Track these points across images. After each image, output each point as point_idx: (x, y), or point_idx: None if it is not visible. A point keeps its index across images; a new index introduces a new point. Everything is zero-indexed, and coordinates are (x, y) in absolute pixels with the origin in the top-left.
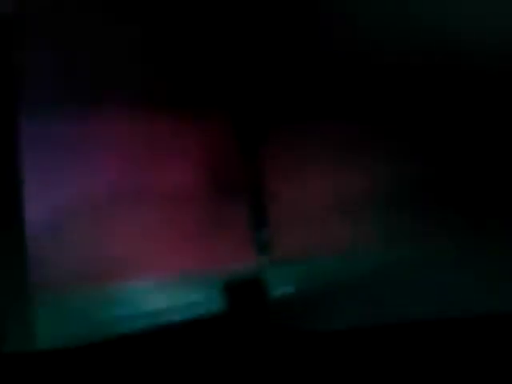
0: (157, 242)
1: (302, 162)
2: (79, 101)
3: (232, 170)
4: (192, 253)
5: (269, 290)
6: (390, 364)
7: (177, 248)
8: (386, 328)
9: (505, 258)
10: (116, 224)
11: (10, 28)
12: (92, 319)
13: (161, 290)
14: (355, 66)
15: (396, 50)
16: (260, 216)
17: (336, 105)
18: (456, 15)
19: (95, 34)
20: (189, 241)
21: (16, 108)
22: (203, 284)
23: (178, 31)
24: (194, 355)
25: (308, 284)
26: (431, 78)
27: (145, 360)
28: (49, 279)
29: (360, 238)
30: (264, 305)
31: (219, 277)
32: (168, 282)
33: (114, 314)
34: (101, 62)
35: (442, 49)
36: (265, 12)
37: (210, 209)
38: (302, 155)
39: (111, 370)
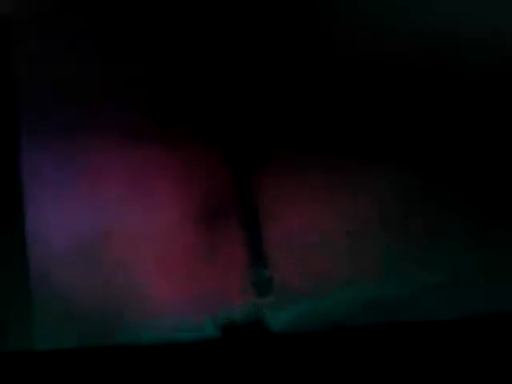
0: (147, 285)
1: (300, 190)
2: (67, 135)
3: (227, 206)
4: (186, 295)
5: (269, 330)
6: (390, 364)
7: (169, 290)
8: (386, 328)
9: None
10: (105, 264)
11: (9, 28)
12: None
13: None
14: (350, 90)
15: (394, 68)
16: (257, 252)
17: (333, 128)
18: (455, 15)
19: (85, 72)
20: (183, 282)
21: (17, 118)
22: (198, 328)
23: (167, 60)
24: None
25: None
26: (430, 97)
27: (143, 369)
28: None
29: (361, 268)
30: (264, 346)
31: (216, 320)
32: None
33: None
34: (89, 98)
35: (442, 54)
36: (255, 42)
37: (205, 246)
38: (299, 183)
39: (107, 374)
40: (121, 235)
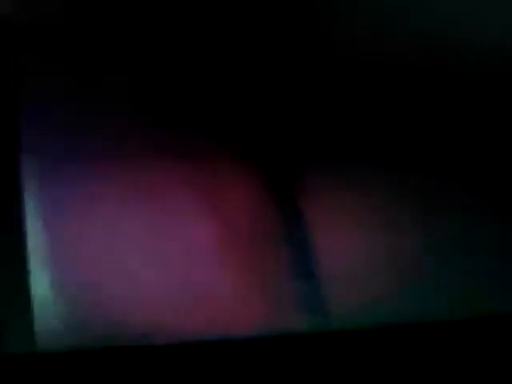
0: (184, 306)
1: (346, 210)
2: (77, 157)
3: (269, 223)
4: (231, 316)
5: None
6: (391, 366)
7: (211, 312)
8: (386, 329)
9: None
10: (141, 285)
11: (9, 28)
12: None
13: None
14: (354, 92)
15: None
16: (304, 272)
17: (381, 141)
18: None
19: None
20: (227, 303)
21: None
22: None
23: (180, 67)
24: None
25: None
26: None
27: (145, 370)
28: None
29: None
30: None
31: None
32: None
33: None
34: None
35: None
36: (255, 45)
37: (249, 267)
38: (345, 203)
39: (107, 377)
40: (153, 259)
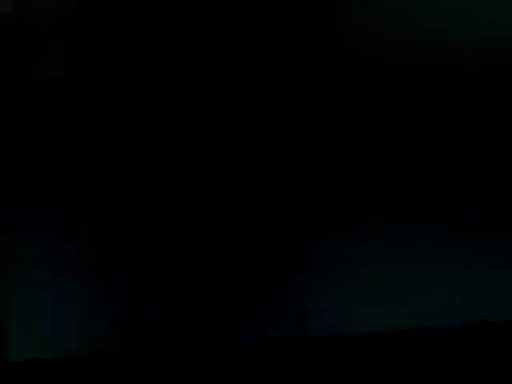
0: None
1: None
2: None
3: None
4: None
5: None
6: (390, 372)
7: None
8: (386, 336)
9: None
10: None
11: (9, 28)
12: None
13: None
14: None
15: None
16: None
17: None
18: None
19: None
20: None
21: None
22: None
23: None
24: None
25: None
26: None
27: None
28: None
29: None
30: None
31: None
32: None
33: None
34: None
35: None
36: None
37: None
38: None
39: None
40: None
